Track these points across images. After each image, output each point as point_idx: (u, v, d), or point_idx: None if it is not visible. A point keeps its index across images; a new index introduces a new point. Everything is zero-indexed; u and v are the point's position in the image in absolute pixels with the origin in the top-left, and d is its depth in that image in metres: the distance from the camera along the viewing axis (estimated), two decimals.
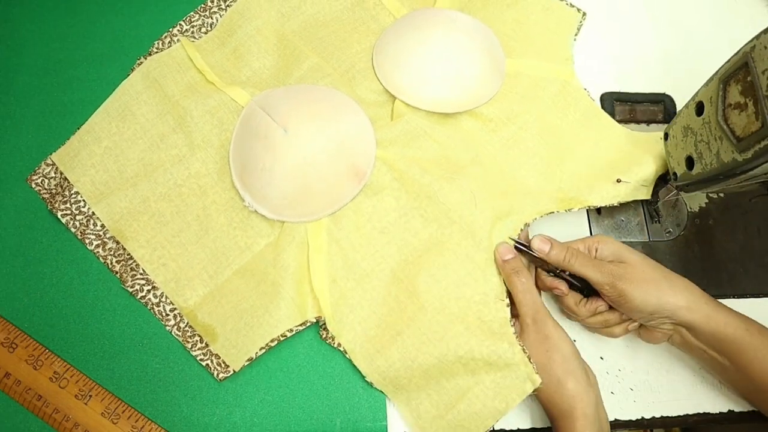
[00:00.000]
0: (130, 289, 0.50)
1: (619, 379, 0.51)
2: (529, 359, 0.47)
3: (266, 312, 0.48)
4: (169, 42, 0.58)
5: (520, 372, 0.47)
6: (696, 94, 0.47)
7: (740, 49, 0.42)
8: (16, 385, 0.46)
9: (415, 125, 0.54)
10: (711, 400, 0.51)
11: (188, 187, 0.53)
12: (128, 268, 0.50)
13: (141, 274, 0.50)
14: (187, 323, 0.49)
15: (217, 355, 0.48)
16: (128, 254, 0.51)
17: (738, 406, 0.51)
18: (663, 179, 0.54)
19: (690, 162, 0.47)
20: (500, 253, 0.49)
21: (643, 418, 0.50)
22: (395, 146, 0.54)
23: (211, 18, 0.59)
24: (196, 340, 0.49)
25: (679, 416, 0.50)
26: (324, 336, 0.49)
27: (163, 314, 0.49)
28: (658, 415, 0.50)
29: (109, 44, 0.58)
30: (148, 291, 0.50)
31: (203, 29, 0.59)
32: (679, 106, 0.59)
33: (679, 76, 0.62)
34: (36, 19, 0.59)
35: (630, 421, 0.49)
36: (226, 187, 0.53)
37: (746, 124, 0.40)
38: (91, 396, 0.46)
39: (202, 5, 0.60)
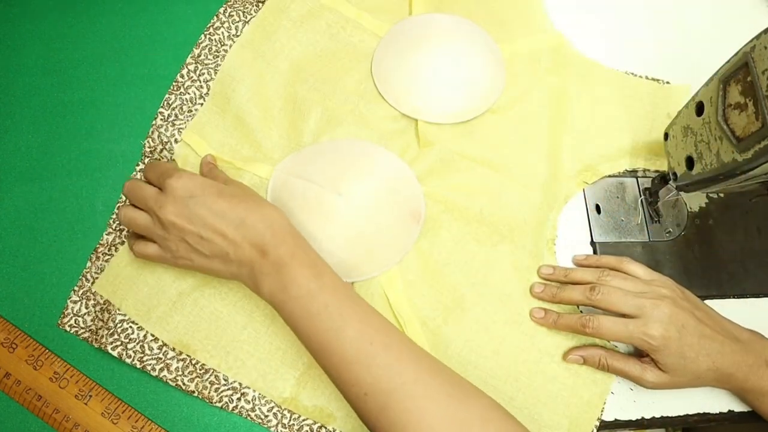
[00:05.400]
0: (219, 404, 0.46)
1: (619, 379, 0.50)
2: None
3: None
4: (158, 136, 0.53)
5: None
6: (696, 94, 0.47)
7: (740, 49, 0.41)
8: (16, 385, 0.46)
9: (445, 150, 0.55)
10: (711, 400, 0.50)
11: (235, 282, 0.49)
12: (207, 383, 0.46)
13: (224, 383, 0.46)
14: (291, 417, 0.46)
15: None
16: (201, 367, 0.47)
17: (738, 406, 0.51)
18: (663, 179, 0.54)
19: (690, 162, 0.47)
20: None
21: (643, 418, 0.50)
22: (434, 178, 0.54)
23: (188, 93, 0.55)
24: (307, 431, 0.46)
25: (679, 416, 0.50)
26: None
27: (262, 417, 0.46)
28: (658, 415, 0.50)
29: (109, 44, 0.58)
30: (238, 399, 0.46)
31: (185, 107, 0.55)
32: None
33: (679, 75, 0.62)
34: (36, 19, 0.58)
35: (630, 421, 0.49)
36: None
37: (746, 124, 0.40)
38: (91, 396, 0.46)
39: (174, 83, 0.55)
